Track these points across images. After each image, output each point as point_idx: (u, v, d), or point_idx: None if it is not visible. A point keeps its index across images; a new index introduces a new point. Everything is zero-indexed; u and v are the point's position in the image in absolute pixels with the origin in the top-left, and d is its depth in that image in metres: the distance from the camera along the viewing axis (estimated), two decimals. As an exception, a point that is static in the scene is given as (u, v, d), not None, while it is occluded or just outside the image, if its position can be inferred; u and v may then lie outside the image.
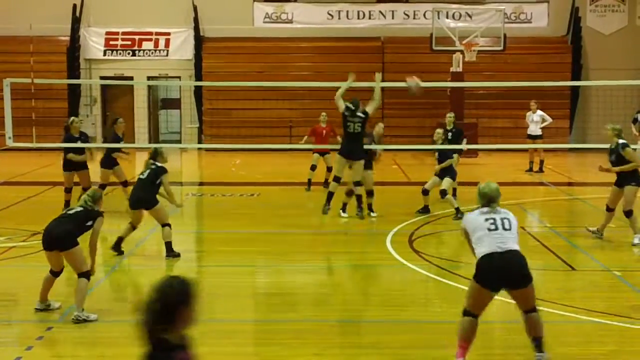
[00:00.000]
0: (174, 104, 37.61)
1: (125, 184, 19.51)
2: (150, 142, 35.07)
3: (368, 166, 18.15)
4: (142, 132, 35.28)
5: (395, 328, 10.60)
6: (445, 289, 12.59)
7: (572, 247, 15.58)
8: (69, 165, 19.30)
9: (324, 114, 22.29)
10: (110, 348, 9.71)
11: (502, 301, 11.73)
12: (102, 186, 19.29)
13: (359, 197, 17.73)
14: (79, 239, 10.84)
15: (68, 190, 19.12)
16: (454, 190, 19.44)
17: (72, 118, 19.76)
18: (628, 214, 15.22)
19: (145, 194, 14.31)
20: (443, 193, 18.27)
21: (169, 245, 14.31)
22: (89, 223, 10.95)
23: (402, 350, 9.66)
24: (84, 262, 10.96)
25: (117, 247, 14.57)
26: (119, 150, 19.50)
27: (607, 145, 15.51)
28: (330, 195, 18.07)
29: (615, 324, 10.57)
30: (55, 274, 11.16)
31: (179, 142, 36.02)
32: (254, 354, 9.76)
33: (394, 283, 13.22)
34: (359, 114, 17.68)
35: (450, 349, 9.70)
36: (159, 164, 14.51)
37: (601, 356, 9.50)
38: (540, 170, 26.43)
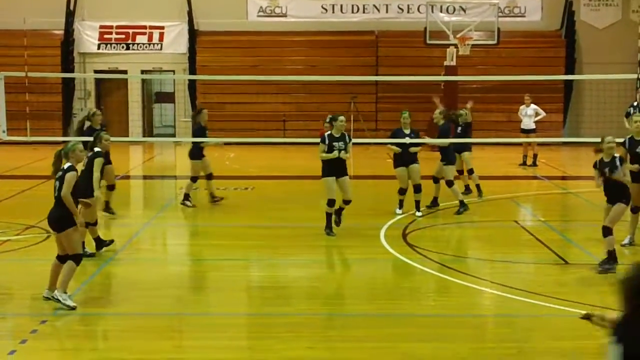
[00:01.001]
0: (168, 97, 37.61)
1: (210, 176, 19.31)
2: (144, 136, 35.11)
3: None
4: (136, 126, 35.25)
5: (389, 321, 10.62)
6: (439, 282, 12.62)
7: (565, 241, 15.61)
8: None
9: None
10: (104, 341, 9.74)
11: (495, 294, 11.78)
12: (194, 179, 19.10)
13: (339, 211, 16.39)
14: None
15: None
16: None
17: (93, 110, 19.32)
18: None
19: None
20: (450, 183, 18.32)
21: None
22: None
23: (395, 344, 9.68)
24: (73, 246, 11.08)
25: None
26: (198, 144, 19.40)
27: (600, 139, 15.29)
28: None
29: (609, 317, 10.60)
30: (61, 259, 11.17)
31: (173, 135, 36.02)
32: (248, 348, 9.77)
33: (387, 277, 13.24)
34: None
35: (443, 342, 9.73)
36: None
37: (595, 350, 9.51)
38: (534, 164, 26.47)
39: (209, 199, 19.24)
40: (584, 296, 11.60)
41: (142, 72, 34.91)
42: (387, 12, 35.45)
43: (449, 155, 18.73)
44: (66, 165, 11.38)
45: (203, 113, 19.53)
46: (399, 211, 17.88)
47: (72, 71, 34.82)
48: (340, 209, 15.85)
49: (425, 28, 31.55)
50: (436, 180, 18.79)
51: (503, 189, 21.70)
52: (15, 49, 32.48)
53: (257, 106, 33.76)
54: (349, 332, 10.21)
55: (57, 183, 11.33)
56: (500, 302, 11.54)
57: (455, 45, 31.12)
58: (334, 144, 15.09)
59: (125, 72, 34.55)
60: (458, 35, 31.08)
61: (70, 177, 11.13)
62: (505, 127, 30.78)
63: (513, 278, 12.85)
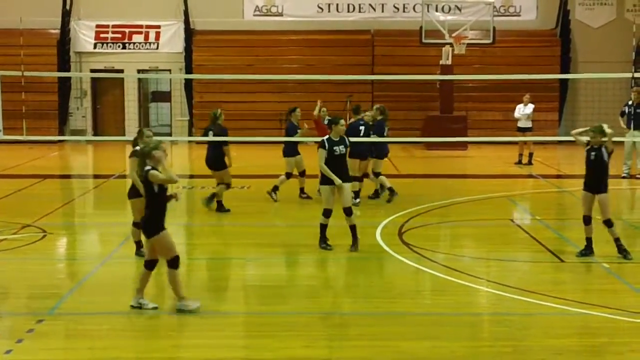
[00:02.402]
0: (165, 96, 37.60)
1: (302, 174, 19.56)
2: (140, 135, 35.05)
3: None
4: (132, 125, 35.22)
5: (384, 320, 10.65)
6: (435, 281, 12.64)
7: (561, 239, 15.64)
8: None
9: (324, 109, 21.41)
10: (100, 340, 9.73)
11: (491, 293, 11.81)
12: (288, 175, 19.48)
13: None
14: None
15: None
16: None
17: (219, 110, 19.37)
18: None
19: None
20: (377, 174, 19.20)
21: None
22: (156, 189, 10.91)
23: (391, 342, 9.71)
24: (164, 251, 10.97)
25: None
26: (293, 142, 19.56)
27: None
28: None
29: (604, 315, 10.63)
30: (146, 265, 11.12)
31: (170, 135, 35.97)
32: (244, 346, 9.79)
33: (383, 275, 13.27)
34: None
35: (439, 340, 9.76)
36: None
37: (591, 348, 9.55)
38: (530, 162, 26.51)
39: (299, 194, 19.63)
40: (580, 294, 11.64)
41: (139, 71, 34.91)
42: (382, 11, 35.48)
43: (383, 149, 19.50)
44: (145, 168, 10.99)
45: (296, 112, 19.91)
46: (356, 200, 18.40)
47: (68, 70, 34.80)
48: (353, 227, 14.41)
49: (421, 27, 31.62)
50: (376, 174, 19.34)
51: (499, 188, 21.73)
52: (11, 48, 32.46)
53: (254, 105, 33.76)
54: (345, 331, 10.24)
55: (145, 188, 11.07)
56: (496, 301, 11.57)
57: (451, 45, 31.18)
58: (334, 148, 14.48)
59: (121, 71, 34.53)
60: (453, 35, 31.15)
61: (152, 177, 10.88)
62: (501, 125, 30.81)
63: (509, 276, 12.88)
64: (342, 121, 14.72)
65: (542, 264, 13.69)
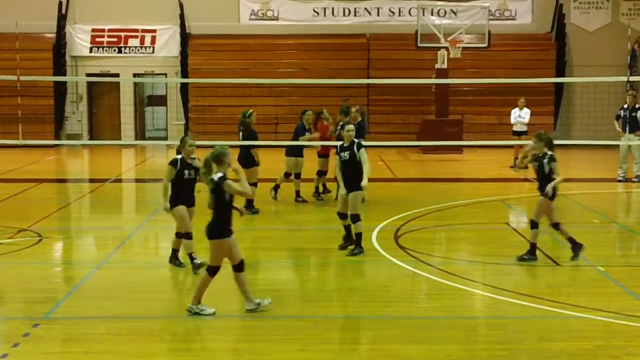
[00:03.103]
0: (160, 101, 37.65)
1: (298, 176, 19.70)
2: (136, 139, 35.15)
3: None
4: (128, 129, 35.29)
5: (380, 324, 10.66)
6: (431, 284, 12.65)
7: (556, 243, 15.64)
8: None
9: (325, 110, 21.29)
10: (96, 344, 9.73)
11: (486, 296, 11.83)
12: (287, 175, 19.64)
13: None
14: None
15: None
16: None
17: (250, 110, 19.81)
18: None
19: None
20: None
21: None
22: (227, 197, 10.84)
23: (387, 346, 9.72)
24: (214, 257, 11.01)
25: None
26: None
27: (590, 142, 15.40)
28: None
29: (600, 318, 10.64)
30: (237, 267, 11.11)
31: (165, 139, 36.04)
32: (240, 350, 9.79)
33: (379, 279, 13.27)
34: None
35: (435, 344, 9.77)
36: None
37: (586, 351, 9.56)
38: (525, 166, 26.47)
39: (295, 198, 19.70)
40: (575, 298, 11.65)
41: (134, 75, 34.93)
42: (378, 15, 35.54)
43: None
44: (217, 176, 10.85)
45: (306, 114, 19.89)
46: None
47: (64, 74, 34.81)
48: (357, 235, 14.42)
49: (417, 31, 31.66)
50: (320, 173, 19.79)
51: (494, 192, 21.77)
52: (7, 52, 32.54)
53: (249, 109, 33.74)
54: (341, 335, 10.25)
55: (212, 195, 10.90)
56: (491, 304, 11.58)
57: (446, 48, 31.24)
58: (341, 154, 14.41)
59: (117, 75, 34.58)
60: (449, 38, 31.20)
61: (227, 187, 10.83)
62: (497, 129, 30.88)
63: (504, 280, 12.89)
64: (349, 126, 14.60)
65: (537, 268, 13.71)
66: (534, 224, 14.02)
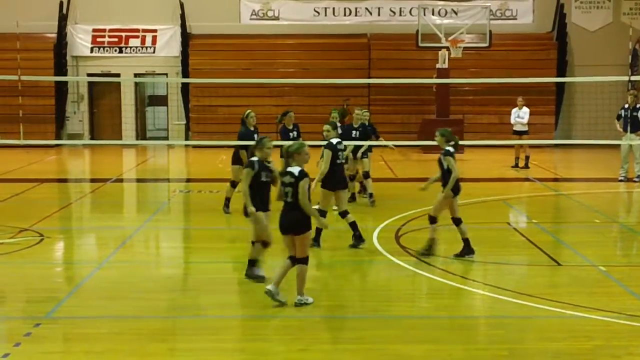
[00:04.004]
0: (161, 101, 37.67)
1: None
2: (137, 139, 35.16)
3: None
4: (129, 129, 35.31)
5: (381, 323, 10.66)
6: (432, 284, 12.65)
7: (557, 243, 15.66)
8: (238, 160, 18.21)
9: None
10: (98, 344, 9.74)
11: (487, 296, 11.83)
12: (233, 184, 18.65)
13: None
14: None
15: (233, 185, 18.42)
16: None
17: (248, 111, 19.12)
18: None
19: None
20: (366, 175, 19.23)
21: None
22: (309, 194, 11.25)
23: (388, 346, 9.72)
24: (306, 248, 11.34)
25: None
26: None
27: (592, 142, 15.42)
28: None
29: (601, 318, 10.64)
30: (292, 259, 11.37)
31: (166, 139, 36.09)
32: (240, 350, 9.79)
33: (380, 279, 13.28)
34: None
35: (436, 343, 9.78)
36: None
37: (587, 351, 9.56)
38: (526, 166, 26.52)
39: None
40: (576, 297, 11.65)
41: (135, 75, 34.94)
42: (379, 15, 35.55)
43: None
44: (297, 170, 11.20)
45: (288, 115, 19.46)
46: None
47: (65, 74, 34.83)
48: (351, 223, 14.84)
49: (417, 31, 31.67)
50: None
51: (495, 191, 21.76)
52: (8, 52, 32.57)
53: (250, 109, 33.72)
54: (341, 334, 10.25)
55: (289, 188, 11.22)
56: (492, 304, 11.58)
57: (447, 48, 31.25)
58: (339, 154, 14.77)
59: (118, 75, 34.62)
60: (450, 38, 31.21)
61: (304, 184, 11.14)
62: (498, 129, 30.89)
63: (505, 280, 12.91)
64: (325, 126, 15.28)
65: (538, 267, 13.72)
66: (432, 220, 14.13)
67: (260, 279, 12.37)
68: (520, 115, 26.55)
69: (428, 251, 14.03)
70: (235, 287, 12.62)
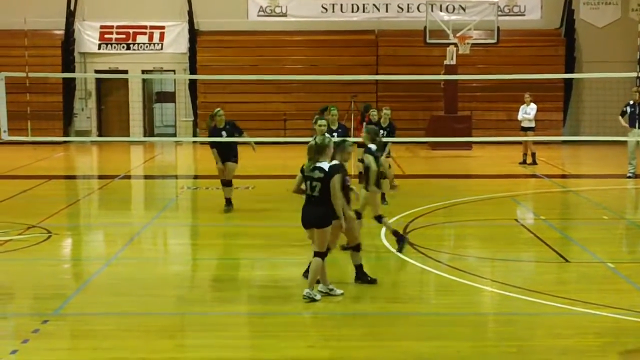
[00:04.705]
0: (169, 97, 37.67)
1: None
2: (145, 136, 35.17)
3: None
4: (137, 126, 35.31)
5: (389, 320, 10.65)
6: (440, 281, 12.63)
7: (565, 239, 15.64)
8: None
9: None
10: (105, 340, 9.74)
11: (495, 293, 11.82)
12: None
13: None
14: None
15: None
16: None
17: (217, 110, 18.52)
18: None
19: None
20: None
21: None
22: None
23: (396, 342, 9.71)
24: (325, 243, 11.48)
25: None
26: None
27: (599, 138, 15.36)
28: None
29: (610, 315, 10.62)
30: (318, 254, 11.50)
31: (174, 135, 36.10)
32: (248, 347, 9.79)
33: (388, 275, 13.25)
34: None
35: (444, 340, 9.76)
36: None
37: (596, 348, 9.55)
38: (534, 162, 26.49)
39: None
40: (585, 294, 11.63)
41: (143, 72, 34.98)
42: (387, 11, 35.51)
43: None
44: (326, 166, 11.42)
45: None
46: None
47: (73, 71, 34.88)
48: None
49: (425, 27, 31.62)
50: None
51: (503, 188, 21.74)
52: (16, 49, 32.59)
53: (258, 105, 33.80)
54: (349, 331, 10.23)
55: (317, 183, 11.47)
56: (500, 301, 11.56)
57: (455, 45, 31.20)
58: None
59: (125, 72, 34.61)
60: (458, 34, 31.15)
61: (338, 179, 11.38)
62: (506, 125, 30.84)
63: (513, 276, 12.88)
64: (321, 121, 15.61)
65: (546, 264, 13.69)
66: (358, 215, 13.96)
67: (373, 281, 12.29)
68: (527, 112, 26.52)
69: (346, 247, 13.75)
70: (243, 283, 12.62)
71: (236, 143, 18.55)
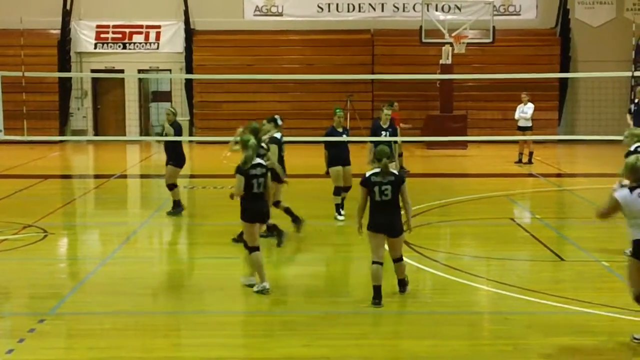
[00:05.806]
0: (165, 96, 37.59)
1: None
2: (141, 135, 35.15)
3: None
4: (133, 125, 35.28)
5: (385, 319, 10.68)
6: (435, 280, 12.66)
7: (561, 238, 15.67)
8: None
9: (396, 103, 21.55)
10: (101, 340, 9.76)
11: (491, 291, 11.84)
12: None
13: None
14: None
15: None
16: None
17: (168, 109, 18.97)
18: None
19: None
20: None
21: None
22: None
23: (391, 341, 9.73)
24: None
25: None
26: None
27: (595, 137, 15.42)
28: None
29: (605, 314, 10.65)
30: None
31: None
32: (244, 345, 9.82)
33: (384, 274, 13.26)
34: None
35: (440, 339, 9.78)
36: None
37: (591, 346, 9.57)
38: (530, 161, 26.52)
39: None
40: (580, 293, 11.66)
41: (139, 71, 34.94)
42: (382, 10, 35.51)
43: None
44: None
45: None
46: (340, 217, 17.23)
47: (69, 70, 34.83)
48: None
49: (421, 27, 31.62)
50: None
51: (499, 187, 21.76)
52: (12, 49, 32.55)
53: (254, 105, 33.75)
54: (345, 330, 10.25)
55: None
56: (496, 300, 11.59)
57: (451, 44, 31.21)
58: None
59: (122, 71, 34.56)
60: (453, 34, 31.17)
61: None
62: (501, 125, 30.87)
63: (509, 275, 12.91)
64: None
65: (542, 263, 13.72)
66: (276, 204, 15.20)
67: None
68: (524, 111, 26.55)
69: (269, 233, 14.80)
70: (239, 282, 12.63)
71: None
